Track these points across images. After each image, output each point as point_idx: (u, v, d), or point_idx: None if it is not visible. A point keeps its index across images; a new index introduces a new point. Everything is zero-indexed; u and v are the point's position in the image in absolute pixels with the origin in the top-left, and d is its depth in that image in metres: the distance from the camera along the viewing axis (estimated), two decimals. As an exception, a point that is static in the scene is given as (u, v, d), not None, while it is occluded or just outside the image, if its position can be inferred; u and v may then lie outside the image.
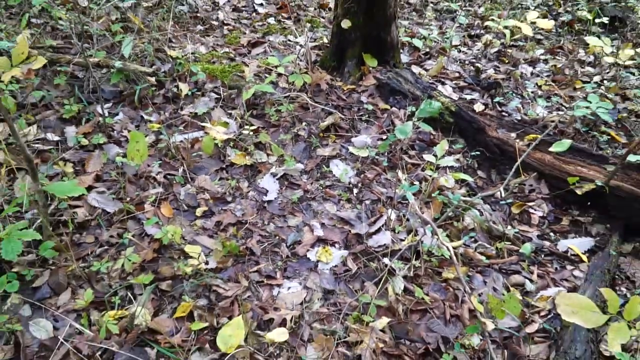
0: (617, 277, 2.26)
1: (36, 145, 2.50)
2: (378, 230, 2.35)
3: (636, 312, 1.53)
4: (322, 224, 2.38)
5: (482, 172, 2.82)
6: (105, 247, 2.13)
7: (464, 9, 5.11)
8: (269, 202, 2.47)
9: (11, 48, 2.45)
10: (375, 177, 2.66)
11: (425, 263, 2.20)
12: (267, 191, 2.52)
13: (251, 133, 2.76)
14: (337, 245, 2.29)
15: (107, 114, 2.79)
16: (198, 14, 4.10)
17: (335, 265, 2.20)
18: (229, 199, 2.46)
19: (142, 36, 3.45)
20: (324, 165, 2.71)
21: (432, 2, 5.21)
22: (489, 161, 2.85)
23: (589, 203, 2.59)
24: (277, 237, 2.30)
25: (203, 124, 2.67)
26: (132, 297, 1.94)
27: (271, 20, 4.23)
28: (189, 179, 2.52)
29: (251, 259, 2.18)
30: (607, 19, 4.57)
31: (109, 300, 1.91)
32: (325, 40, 3.86)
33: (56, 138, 2.57)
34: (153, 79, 3.03)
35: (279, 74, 3.25)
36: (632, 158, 2.55)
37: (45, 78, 2.87)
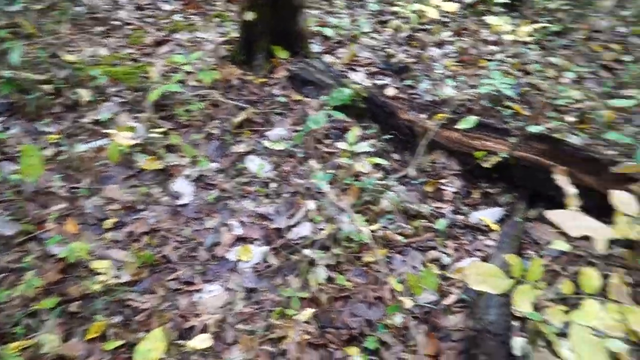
0: (525, 242, 2.41)
1: None
2: (298, 223, 2.34)
3: (539, 273, 1.63)
4: (241, 222, 2.34)
5: (396, 155, 2.88)
6: (5, 274, 1.97)
7: (373, -5, 5.19)
8: (184, 205, 2.39)
9: None
10: (292, 169, 2.64)
11: (345, 250, 2.22)
12: (181, 195, 2.43)
13: (161, 136, 2.65)
14: (257, 242, 2.26)
15: (-3, 129, 2.57)
16: (97, 15, 3.87)
17: (256, 263, 2.17)
18: (141, 207, 2.35)
19: (35, 41, 3.21)
20: (239, 162, 2.65)
21: (342, -10, 5.24)
22: (402, 143, 2.92)
23: (496, 175, 2.72)
24: (195, 241, 2.23)
25: (107, 131, 2.53)
26: (38, 324, 1.81)
27: (177, 17, 4.08)
28: (96, 191, 2.38)
29: (168, 267, 2.10)
30: (509, -2, 4.80)
31: (10, 331, 1.77)
32: (235, 35, 3.77)
33: (-63, 161, 2.33)
34: (49, 87, 2.83)
35: (188, 72, 3.14)
36: (533, 129, 2.70)
37: None
